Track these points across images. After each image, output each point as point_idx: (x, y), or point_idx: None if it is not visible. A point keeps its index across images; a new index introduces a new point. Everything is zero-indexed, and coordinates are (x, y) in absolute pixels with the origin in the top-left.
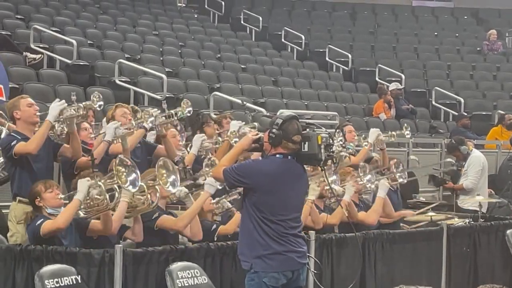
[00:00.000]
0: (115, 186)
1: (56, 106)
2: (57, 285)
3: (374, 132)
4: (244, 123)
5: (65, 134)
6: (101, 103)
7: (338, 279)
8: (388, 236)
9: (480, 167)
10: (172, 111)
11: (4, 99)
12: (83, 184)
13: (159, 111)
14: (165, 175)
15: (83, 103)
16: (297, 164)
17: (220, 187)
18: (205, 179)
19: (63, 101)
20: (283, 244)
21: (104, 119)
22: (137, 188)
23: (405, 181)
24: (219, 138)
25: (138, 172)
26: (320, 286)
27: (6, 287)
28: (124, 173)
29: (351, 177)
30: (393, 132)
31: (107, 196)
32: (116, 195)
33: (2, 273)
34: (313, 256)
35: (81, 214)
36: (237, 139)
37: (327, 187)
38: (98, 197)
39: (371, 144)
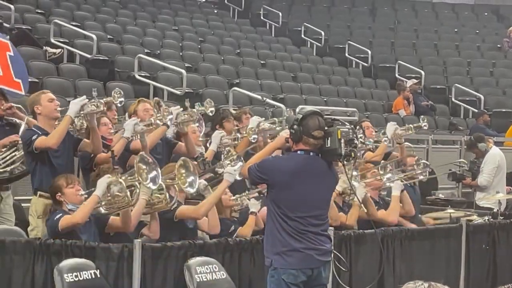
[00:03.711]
0: (136, 183)
1: (77, 102)
2: (76, 279)
3: (391, 126)
4: (264, 119)
5: (85, 129)
6: (122, 99)
7: (357, 276)
8: (407, 233)
9: (495, 164)
10: (195, 110)
11: (23, 93)
12: (102, 180)
13: (181, 109)
14: (184, 174)
15: (104, 99)
16: (320, 160)
17: (239, 178)
18: (223, 169)
19: (84, 96)
20: (302, 241)
21: (126, 115)
22: (158, 185)
23: (426, 177)
24: (238, 135)
25: (159, 169)
26: (339, 281)
27: (25, 281)
28: (145, 171)
29: (372, 174)
30: (411, 125)
31: (128, 193)
32: (137, 191)
33: (22, 266)
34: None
35: (102, 210)
36: (255, 136)
37: (347, 184)
38: (119, 194)
39: (390, 140)
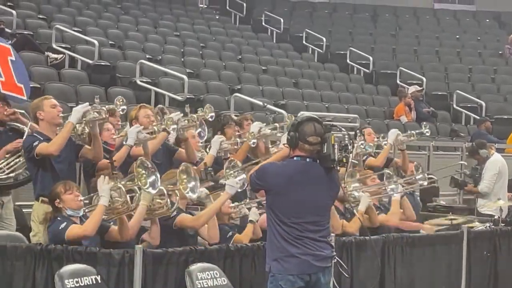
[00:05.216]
0: (135, 187)
1: (79, 109)
2: (77, 284)
3: (393, 133)
4: (265, 124)
5: (86, 135)
6: (125, 107)
7: (357, 282)
8: (408, 239)
9: (495, 171)
10: (195, 115)
11: (25, 98)
12: (105, 188)
13: (182, 115)
14: (185, 180)
15: (106, 106)
16: (318, 166)
17: (240, 190)
18: (226, 180)
19: (87, 103)
20: (299, 246)
21: (128, 124)
22: (157, 190)
23: (426, 183)
24: (238, 140)
25: (158, 174)
26: None
27: (26, 286)
28: (144, 175)
29: (371, 180)
30: (413, 132)
31: (128, 198)
32: (136, 196)
33: (22, 272)
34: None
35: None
36: (255, 141)
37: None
38: (118, 199)
39: (391, 145)
